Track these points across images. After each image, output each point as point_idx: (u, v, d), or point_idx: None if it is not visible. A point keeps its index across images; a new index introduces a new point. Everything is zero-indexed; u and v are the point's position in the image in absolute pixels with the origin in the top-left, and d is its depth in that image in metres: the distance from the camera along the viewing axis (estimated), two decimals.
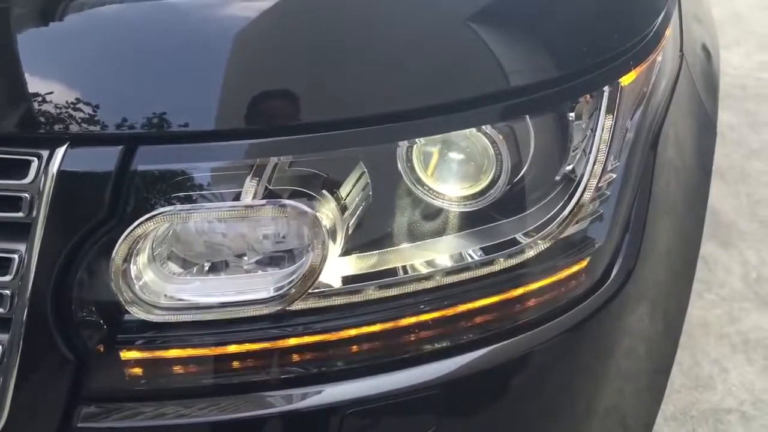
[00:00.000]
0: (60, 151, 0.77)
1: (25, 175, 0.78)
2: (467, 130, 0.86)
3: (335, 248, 0.85)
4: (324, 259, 0.81)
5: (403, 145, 0.86)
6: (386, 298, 0.87)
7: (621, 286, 0.94)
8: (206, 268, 0.87)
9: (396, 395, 0.83)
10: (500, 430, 0.90)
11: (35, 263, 0.77)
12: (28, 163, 0.78)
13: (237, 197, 0.80)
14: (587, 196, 0.91)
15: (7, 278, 0.78)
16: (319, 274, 0.82)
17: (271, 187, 0.82)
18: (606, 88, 0.91)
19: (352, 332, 0.86)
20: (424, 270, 0.88)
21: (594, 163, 0.91)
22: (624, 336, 0.97)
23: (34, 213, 0.77)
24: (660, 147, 0.99)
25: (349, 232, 0.87)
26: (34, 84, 0.78)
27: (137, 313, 0.80)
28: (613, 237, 0.95)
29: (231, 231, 0.84)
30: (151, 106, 0.77)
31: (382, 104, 0.83)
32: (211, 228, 0.85)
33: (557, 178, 0.92)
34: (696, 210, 1.11)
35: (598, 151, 0.91)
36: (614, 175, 0.95)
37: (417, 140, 0.86)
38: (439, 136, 0.87)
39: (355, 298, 0.86)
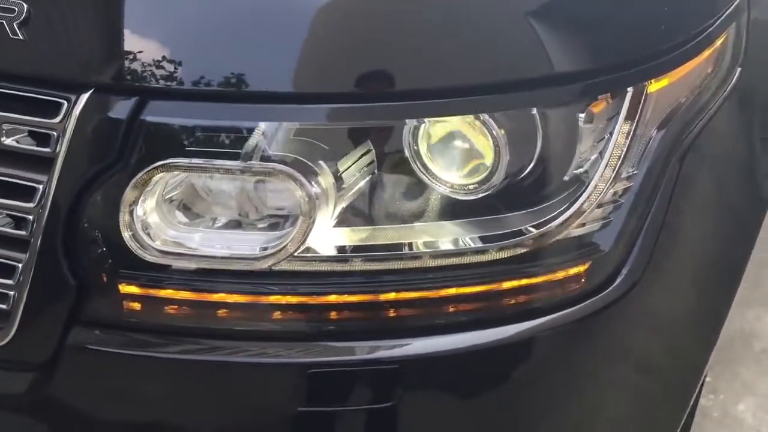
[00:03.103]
0: (84, 97, 0.85)
1: (56, 115, 0.87)
2: (467, 118, 0.86)
3: (329, 218, 0.88)
4: (310, 226, 0.85)
5: (411, 124, 0.88)
6: (372, 272, 0.89)
7: (621, 296, 0.91)
8: (215, 223, 0.93)
9: (360, 363, 0.86)
10: (457, 414, 0.91)
11: (52, 194, 0.86)
12: (60, 104, 0.87)
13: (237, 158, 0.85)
14: (594, 200, 0.89)
15: (31, 205, 0.88)
16: (305, 240, 0.86)
17: (271, 152, 0.86)
18: (629, 91, 0.88)
19: (333, 299, 0.89)
20: (414, 250, 0.90)
21: (605, 168, 0.89)
22: (621, 349, 0.94)
23: (58, 149, 0.87)
24: (690, 161, 0.94)
25: (344, 205, 0.89)
26: (72, 32, 0.87)
27: (135, 249, 0.87)
28: (621, 246, 0.92)
29: (234, 190, 0.90)
30: (164, 63, 0.83)
31: (383, 83, 0.85)
32: (216, 185, 0.91)
33: (566, 178, 0.90)
34: (738, 232, 1.05)
35: (611, 156, 0.89)
36: (630, 184, 0.92)
37: (423, 121, 0.87)
38: (446, 119, 0.88)
39: (340, 267, 0.89)
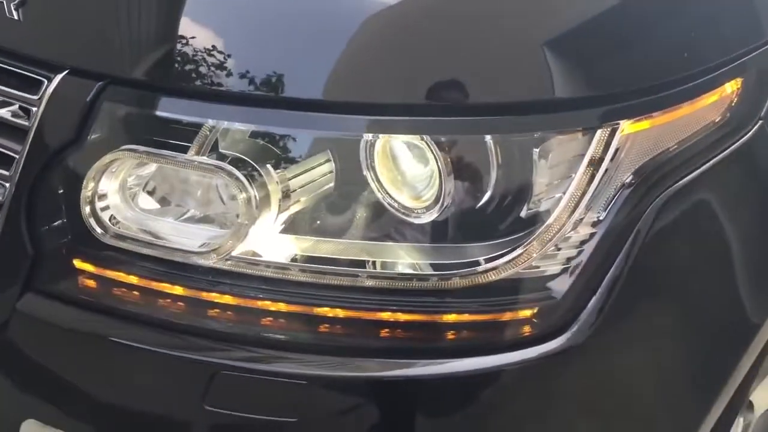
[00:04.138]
0: (59, 77, 0.90)
1: (37, 92, 0.92)
2: (414, 139, 0.83)
3: (272, 223, 0.87)
4: (246, 228, 0.85)
5: (366, 140, 0.85)
6: (308, 284, 0.87)
7: (564, 351, 0.83)
8: (183, 215, 0.94)
9: (272, 374, 0.85)
10: None
11: (22, 164, 0.91)
12: (41, 82, 0.92)
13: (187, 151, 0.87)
14: (548, 241, 0.83)
15: (8, 173, 0.94)
16: (240, 240, 0.85)
17: (222, 150, 0.86)
18: (597, 130, 0.81)
19: (266, 305, 0.88)
20: (353, 267, 0.87)
21: (564, 210, 0.83)
22: (563, 410, 0.86)
23: (32, 123, 0.92)
24: (669, 216, 0.85)
25: (292, 212, 0.88)
26: (58, 17, 0.92)
27: (90, 225, 0.89)
28: (575, 296, 0.84)
29: (197, 183, 0.92)
30: (126, 53, 0.87)
31: (342, 93, 0.83)
32: (182, 176, 0.92)
33: (522, 215, 0.84)
34: (728, 309, 0.92)
35: (571, 197, 0.82)
36: (595, 230, 0.84)
37: (378, 137, 0.85)
38: (399, 138, 0.85)
39: (279, 274, 0.88)
